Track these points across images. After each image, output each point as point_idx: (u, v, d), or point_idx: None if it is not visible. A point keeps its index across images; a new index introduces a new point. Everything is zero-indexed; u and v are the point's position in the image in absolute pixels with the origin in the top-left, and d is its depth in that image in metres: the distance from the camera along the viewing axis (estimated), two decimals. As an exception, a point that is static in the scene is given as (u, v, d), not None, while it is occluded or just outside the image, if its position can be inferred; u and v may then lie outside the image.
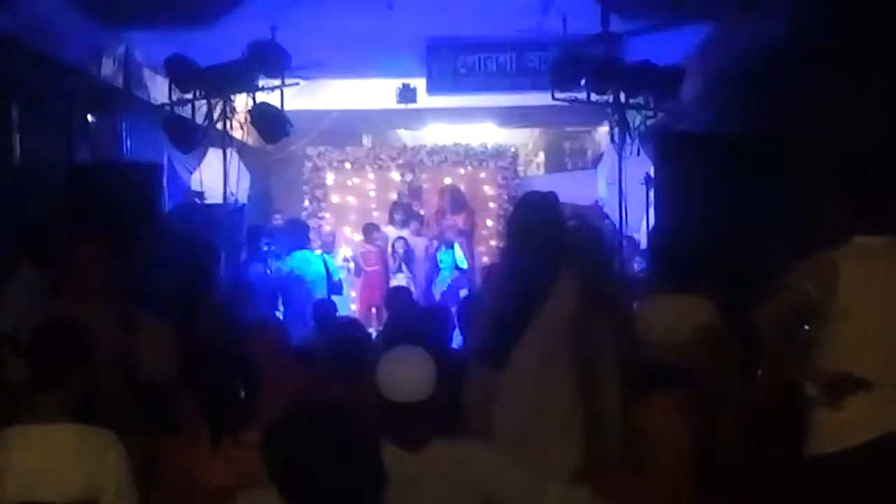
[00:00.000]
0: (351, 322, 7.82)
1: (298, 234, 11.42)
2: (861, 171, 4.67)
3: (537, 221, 5.08)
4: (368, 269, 13.54)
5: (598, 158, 15.70)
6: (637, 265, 10.38)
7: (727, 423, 5.30)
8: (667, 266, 6.47)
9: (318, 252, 12.24)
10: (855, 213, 4.41)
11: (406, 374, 3.58)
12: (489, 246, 15.29)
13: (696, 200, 7.90)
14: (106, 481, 3.98)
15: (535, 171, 18.10)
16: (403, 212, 14.28)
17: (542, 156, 19.22)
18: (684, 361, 5.34)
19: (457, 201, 14.78)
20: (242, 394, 4.46)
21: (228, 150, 10.59)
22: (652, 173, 9.94)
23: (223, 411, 4.44)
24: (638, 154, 10.62)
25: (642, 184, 10.54)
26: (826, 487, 4.29)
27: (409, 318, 7.19)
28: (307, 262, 11.25)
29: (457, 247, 13.88)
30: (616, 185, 10.88)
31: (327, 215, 15.17)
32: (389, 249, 13.66)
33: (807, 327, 4.51)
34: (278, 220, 14.10)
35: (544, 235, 5.03)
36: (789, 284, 4.39)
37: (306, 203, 15.28)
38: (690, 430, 5.12)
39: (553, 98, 10.55)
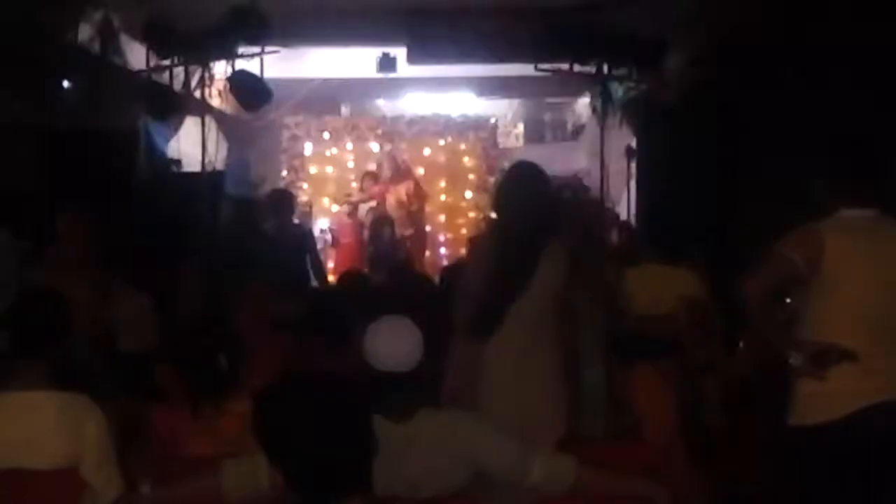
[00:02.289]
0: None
1: (283, 205, 11.29)
2: (847, 144, 4.65)
3: (526, 192, 5.05)
4: (344, 241, 13.50)
5: (577, 130, 15.70)
6: (618, 237, 10.35)
7: (711, 393, 5.32)
8: (651, 237, 6.46)
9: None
10: (840, 186, 4.40)
11: (393, 344, 3.54)
12: (468, 218, 15.26)
13: (679, 172, 7.89)
14: (86, 448, 3.94)
15: (514, 143, 18.02)
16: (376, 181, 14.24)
17: (521, 127, 19.16)
18: (668, 332, 5.36)
19: (395, 170, 14.54)
20: (224, 363, 4.44)
21: (206, 118, 10.50)
22: (634, 145, 9.93)
23: (205, 380, 4.43)
24: (620, 126, 10.59)
25: (624, 155, 10.54)
26: (810, 458, 4.27)
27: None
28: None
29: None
30: (598, 156, 10.86)
31: (305, 185, 15.09)
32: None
33: (788, 300, 4.50)
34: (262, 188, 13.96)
35: (533, 206, 5.00)
36: (774, 255, 4.37)
37: (284, 173, 15.19)
38: (675, 399, 5.16)
39: (536, 69, 10.50)
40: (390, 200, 13.96)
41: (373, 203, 13.90)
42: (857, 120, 5.94)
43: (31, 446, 3.91)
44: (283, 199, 10.42)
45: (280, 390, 2.56)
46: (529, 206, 5.01)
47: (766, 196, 7.37)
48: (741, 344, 5.70)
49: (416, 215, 14.18)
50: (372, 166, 14.95)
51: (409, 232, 13.86)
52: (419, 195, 14.22)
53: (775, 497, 4.64)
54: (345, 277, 8.10)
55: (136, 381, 5.26)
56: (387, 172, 14.39)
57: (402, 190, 14.10)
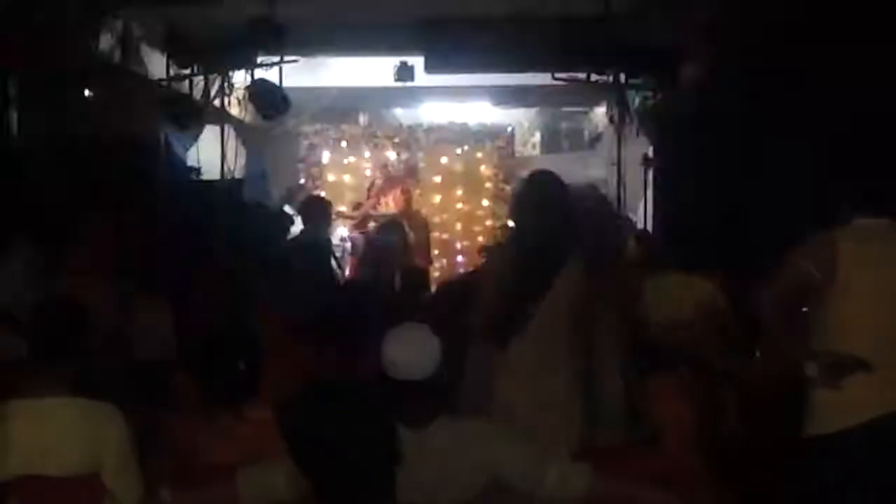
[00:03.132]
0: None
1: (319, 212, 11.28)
2: (861, 154, 4.66)
3: (543, 201, 5.06)
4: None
5: (594, 139, 15.70)
6: (635, 246, 10.35)
7: (730, 403, 5.32)
8: (669, 246, 6.46)
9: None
10: (855, 195, 4.41)
11: (411, 352, 3.55)
12: (485, 226, 15.26)
13: (697, 181, 7.88)
14: (107, 455, 3.97)
15: (531, 151, 18.03)
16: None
17: (538, 136, 19.16)
18: (687, 341, 5.36)
19: (386, 179, 14.43)
20: (242, 369, 4.45)
21: (225, 127, 10.55)
22: (651, 154, 9.94)
23: (223, 387, 4.44)
24: (637, 135, 10.60)
25: (641, 164, 10.54)
26: (826, 467, 4.29)
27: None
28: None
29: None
30: (614, 165, 10.86)
31: (323, 193, 15.10)
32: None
33: (804, 309, 4.51)
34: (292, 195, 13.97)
35: (550, 215, 5.01)
36: (790, 265, 4.39)
37: (302, 181, 15.22)
38: (694, 409, 5.15)
39: (553, 78, 10.51)
40: (381, 210, 13.92)
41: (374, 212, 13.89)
42: (876, 130, 5.92)
43: (51, 452, 3.93)
44: (319, 207, 10.49)
45: (307, 397, 2.58)
46: (547, 215, 5.02)
47: (784, 204, 7.35)
48: (758, 353, 5.70)
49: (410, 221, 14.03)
50: (389, 173, 14.99)
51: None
52: (407, 201, 14.07)
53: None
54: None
55: (155, 387, 5.28)
56: (378, 182, 14.39)
57: (389, 198, 14.06)
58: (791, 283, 4.36)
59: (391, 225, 11.80)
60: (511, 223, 5.43)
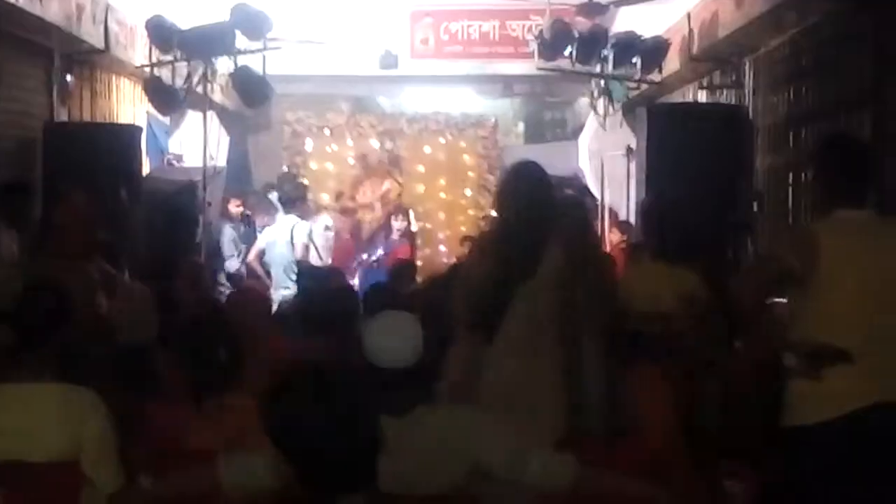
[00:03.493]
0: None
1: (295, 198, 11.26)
2: (841, 144, 4.67)
3: (526, 191, 5.06)
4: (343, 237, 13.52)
5: (577, 130, 15.68)
6: (617, 236, 10.38)
7: (710, 393, 5.33)
8: (651, 236, 6.46)
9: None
10: (836, 187, 4.42)
11: (393, 340, 3.55)
12: (468, 216, 15.27)
13: (680, 172, 7.88)
14: (88, 441, 3.95)
15: (515, 141, 18.04)
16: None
17: (521, 126, 19.19)
18: (668, 331, 5.36)
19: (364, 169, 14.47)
20: (225, 356, 4.45)
21: (208, 113, 10.51)
22: (634, 145, 9.93)
23: (205, 374, 4.43)
24: (620, 125, 10.61)
25: (624, 155, 10.54)
26: (805, 459, 4.29)
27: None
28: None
29: None
30: (597, 156, 10.87)
31: (306, 181, 15.07)
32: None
33: (783, 300, 4.52)
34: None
35: (533, 206, 5.01)
36: (770, 255, 4.40)
37: (285, 169, 15.18)
38: (675, 399, 5.16)
39: (538, 68, 10.51)
40: (359, 200, 13.92)
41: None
42: (857, 121, 5.95)
43: (32, 438, 3.91)
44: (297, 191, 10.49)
45: (288, 384, 2.57)
46: (530, 205, 5.01)
47: (767, 195, 7.39)
48: (738, 343, 5.71)
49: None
50: (373, 162, 15.00)
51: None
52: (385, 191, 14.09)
53: (772, 497, 4.64)
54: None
55: (138, 372, 5.26)
56: (358, 172, 14.39)
57: (368, 188, 14.07)
58: (770, 275, 4.37)
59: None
60: (493, 213, 5.42)
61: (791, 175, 7.48)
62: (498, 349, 4.97)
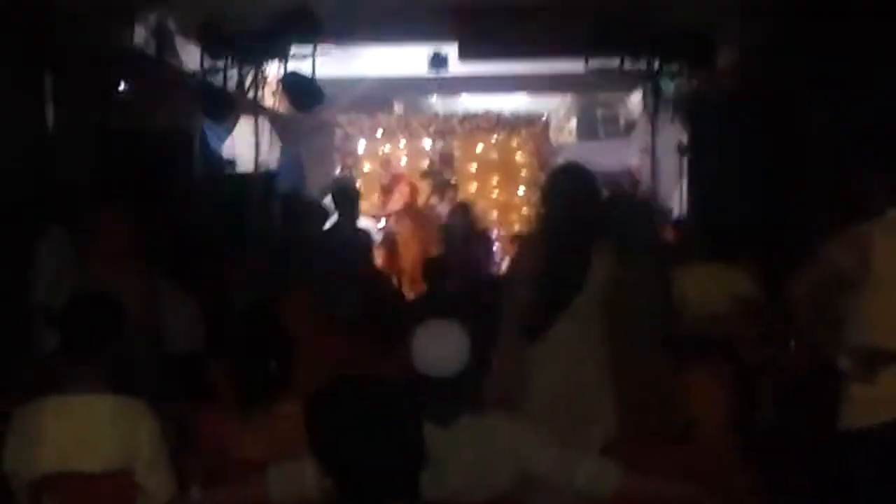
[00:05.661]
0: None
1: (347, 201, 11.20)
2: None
3: (572, 193, 5.03)
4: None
5: (630, 126, 15.63)
6: (670, 234, 10.28)
7: (763, 394, 5.28)
8: (703, 235, 6.41)
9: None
10: (890, 185, 4.35)
11: (440, 348, 3.54)
12: (521, 214, 15.24)
13: (732, 169, 7.80)
14: (140, 451, 3.99)
15: (567, 138, 17.97)
16: (434, 180, 14.20)
17: (573, 122, 19.11)
18: (722, 332, 5.31)
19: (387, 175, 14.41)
20: (274, 364, 4.45)
21: (260, 119, 10.56)
22: (686, 141, 9.86)
23: (255, 382, 4.44)
24: (672, 122, 10.52)
25: (676, 152, 10.47)
26: (859, 461, 4.25)
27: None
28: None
29: None
30: (649, 153, 10.80)
31: (358, 183, 15.09)
32: None
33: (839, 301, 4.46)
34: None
35: (579, 207, 4.99)
36: (823, 257, 4.34)
37: (337, 171, 15.23)
38: (728, 399, 5.12)
39: (586, 66, 10.45)
40: (390, 207, 13.89)
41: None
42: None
43: (85, 449, 3.95)
44: (349, 195, 10.44)
45: (332, 394, 2.55)
46: (576, 207, 4.99)
47: (821, 194, 7.28)
48: (792, 344, 5.65)
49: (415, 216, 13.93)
50: (425, 163, 15.00)
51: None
52: (412, 194, 14.01)
53: (825, 500, 4.60)
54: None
55: (185, 382, 5.29)
56: (384, 179, 14.37)
57: (396, 194, 14.03)
58: (825, 275, 4.32)
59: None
60: (540, 215, 5.40)
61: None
62: (546, 352, 4.95)
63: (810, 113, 7.63)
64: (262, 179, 10.64)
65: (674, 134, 10.60)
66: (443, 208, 13.48)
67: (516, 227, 14.81)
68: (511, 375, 4.93)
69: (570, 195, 5.04)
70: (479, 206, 15.03)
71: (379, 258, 11.17)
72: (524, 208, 15.28)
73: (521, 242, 6.34)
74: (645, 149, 11.66)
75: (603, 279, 4.94)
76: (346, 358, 5.63)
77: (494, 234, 15.14)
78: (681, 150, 10.26)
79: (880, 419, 4.14)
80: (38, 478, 3.94)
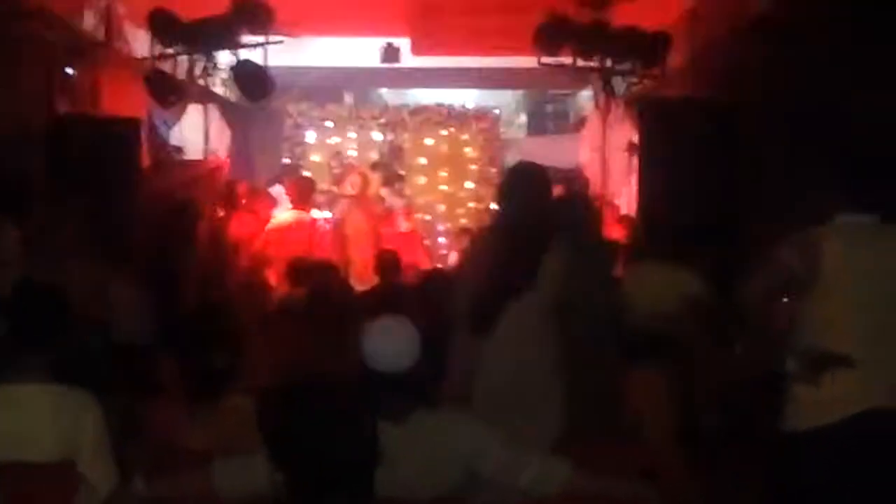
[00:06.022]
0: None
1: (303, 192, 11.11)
2: (849, 148, 4.65)
3: (527, 194, 5.05)
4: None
5: (580, 122, 15.68)
6: (619, 232, 10.34)
7: (710, 395, 5.32)
8: (654, 236, 6.44)
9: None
10: (840, 191, 4.40)
11: (390, 344, 3.54)
12: (469, 208, 15.27)
13: (683, 169, 7.83)
14: (83, 443, 3.94)
15: (516, 133, 18.03)
16: (383, 171, 14.15)
17: (523, 117, 19.17)
18: (671, 332, 5.34)
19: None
20: (223, 356, 4.44)
21: (209, 106, 10.47)
22: (636, 140, 9.89)
23: (204, 375, 4.42)
24: (623, 120, 10.57)
25: (625, 150, 10.52)
26: (806, 463, 4.28)
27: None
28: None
29: None
30: (599, 150, 10.86)
31: (307, 174, 15.02)
32: None
33: (785, 299, 4.50)
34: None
35: (534, 208, 5.01)
36: (773, 260, 4.38)
37: (286, 160, 15.16)
38: (674, 400, 5.16)
39: (539, 63, 10.47)
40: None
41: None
42: (865, 125, 5.88)
43: (26, 440, 3.90)
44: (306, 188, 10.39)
45: (286, 390, 2.54)
46: (530, 205, 5.01)
47: (770, 197, 7.33)
48: (738, 345, 5.69)
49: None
50: (374, 155, 14.97)
51: None
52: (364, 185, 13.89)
53: (771, 500, 4.64)
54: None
55: (134, 374, 5.24)
56: (335, 170, 14.33)
57: (347, 184, 13.93)
58: (773, 280, 4.36)
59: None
60: (494, 211, 5.42)
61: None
62: (495, 348, 4.96)
63: (761, 118, 7.69)
64: (211, 168, 10.55)
65: (624, 132, 10.66)
66: (393, 200, 13.42)
67: (463, 222, 14.84)
68: (464, 369, 4.93)
69: (524, 193, 5.06)
70: (427, 199, 15.08)
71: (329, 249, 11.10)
72: (472, 203, 15.32)
73: (473, 238, 6.34)
74: (595, 146, 11.71)
75: (554, 277, 4.96)
76: (296, 350, 5.61)
77: (441, 228, 15.19)
78: (630, 148, 10.31)
79: (826, 421, 4.18)
80: (-20, 468, 3.89)
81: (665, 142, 8.16)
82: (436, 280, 6.74)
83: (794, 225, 4.41)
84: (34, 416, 3.94)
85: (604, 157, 10.57)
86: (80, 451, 3.94)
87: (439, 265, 13.36)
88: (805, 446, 4.26)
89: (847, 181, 4.39)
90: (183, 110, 11.47)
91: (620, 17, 10.09)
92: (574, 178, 12.10)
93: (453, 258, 13.09)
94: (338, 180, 13.76)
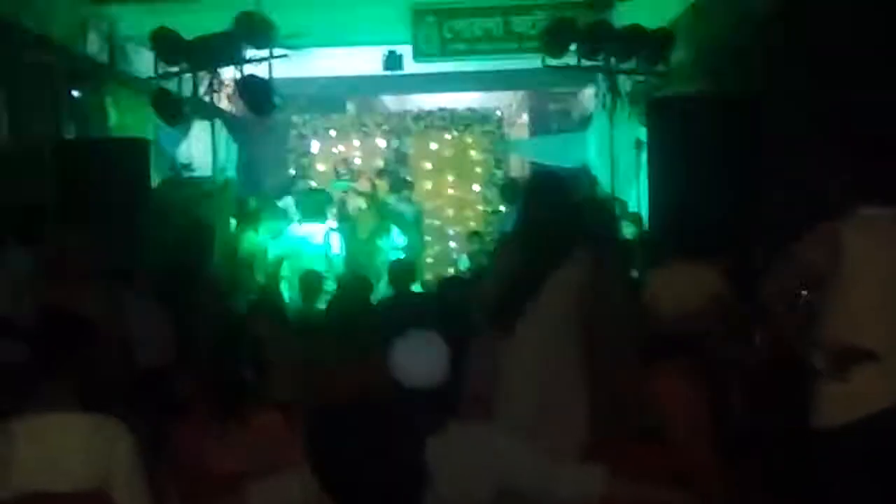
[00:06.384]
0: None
1: (315, 206, 11.08)
2: (866, 140, 4.63)
3: (553, 202, 5.06)
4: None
5: (583, 120, 15.66)
6: (630, 230, 10.32)
7: (735, 392, 5.30)
8: (672, 235, 6.42)
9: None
10: (859, 184, 4.38)
11: (421, 359, 3.53)
12: (477, 211, 15.27)
13: (695, 166, 7.79)
14: (116, 471, 3.92)
15: (519, 133, 18.00)
16: (389, 178, 14.13)
17: (525, 117, 19.14)
18: (693, 331, 5.33)
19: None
20: (250, 375, 4.42)
21: (216, 123, 10.48)
22: (643, 137, 9.88)
23: (230, 392, 4.40)
24: (629, 118, 10.56)
25: (633, 148, 10.51)
26: (833, 459, 4.28)
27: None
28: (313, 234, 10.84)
29: None
30: (606, 149, 10.84)
31: (313, 183, 15.04)
32: None
33: (805, 293, 4.49)
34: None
35: (559, 215, 5.01)
36: (794, 256, 4.37)
37: (292, 171, 15.18)
38: (700, 399, 5.14)
39: (544, 65, 10.47)
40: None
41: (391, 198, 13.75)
42: (882, 117, 5.87)
43: (58, 469, 3.88)
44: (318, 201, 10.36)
45: (334, 417, 2.52)
46: (554, 214, 5.02)
47: (786, 192, 7.31)
48: (758, 339, 5.67)
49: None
50: (380, 162, 14.96)
51: None
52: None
53: (799, 497, 4.63)
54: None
55: (157, 396, 5.23)
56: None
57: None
58: (795, 275, 4.35)
59: None
60: (517, 218, 5.41)
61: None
62: (518, 352, 4.95)
63: (777, 112, 7.65)
64: (220, 184, 10.56)
65: (631, 130, 10.64)
66: (402, 207, 13.36)
67: (472, 224, 14.84)
68: (487, 374, 4.92)
69: (546, 199, 5.06)
70: (435, 204, 15.08)
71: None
72: (479, 205, 15.33)
73: (497, 245, 6.33)
74: (601, 144, 11.70)
75: (576, 278, 4.96)
76: (319, 366, 5.61)
77: (451, 232, 15.18)
78: (638, 146, 10.30)
79: (854, 416, 4.17)
80: (10, 499, 3.88)
81: (675, 139, 8.12)
82: (454, 287, 6.72)
83: (813, 220, 4.40)
84: (64, 444, 3.92)
85: (612, 155, 10.54)
86: (114, 480, 3.92)
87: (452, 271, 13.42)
88: (834, 442, 4.25)
89: (865, 173, 4.38)
90: (188, 127, 11.48)
91: (623, 17, 10.11)
92: (582, 176, 12.07)
93: (464, 262, 13.10)
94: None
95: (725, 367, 5.33)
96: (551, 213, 5.02)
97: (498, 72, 14.13)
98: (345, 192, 12.86)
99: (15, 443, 3.93)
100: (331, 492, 2.50)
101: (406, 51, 12.68)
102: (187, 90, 10.19)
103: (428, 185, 15.33)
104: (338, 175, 13.92)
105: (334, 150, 15.42)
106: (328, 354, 5.87)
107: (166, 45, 9.91)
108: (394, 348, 3.55)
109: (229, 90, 10.91)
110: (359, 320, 6.28)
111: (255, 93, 10.15)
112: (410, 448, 2.50)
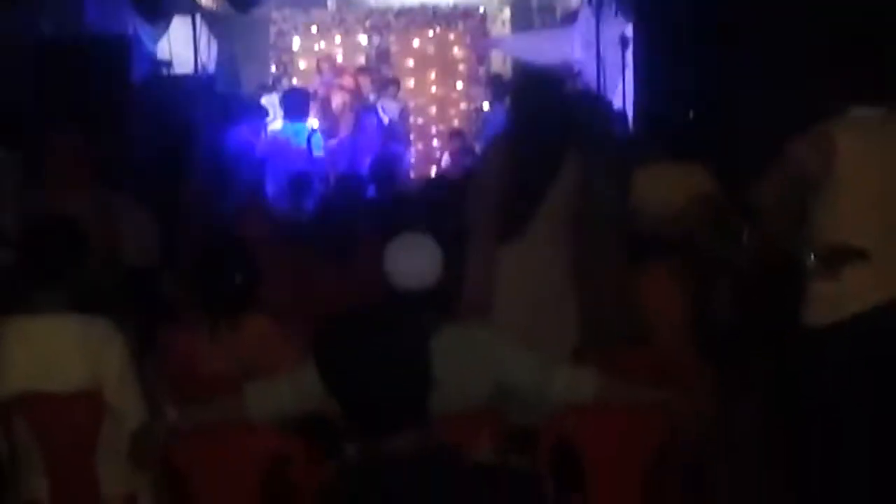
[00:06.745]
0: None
1: (298, 105, 10.95)
2: (861, 37, 4.60)
3: (546, 101, 5.01)
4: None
5: (567, 17, 15.47)
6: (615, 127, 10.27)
7: (722, 291, 5.32)
8: (657, 133, 6.40)
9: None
10: (852, 83, 4.35)
11: (413, 262, 3.53)
12: (459, 109, 15.17)
13: (681, 63, 7.72)
14: (109, 371, 3.95)
15: (501, 29, 17.77)
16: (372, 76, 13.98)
17: (507, 12, 18.90)
18: (680, 231, 5.33)
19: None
20: (241, 279, 4.41)
21: (196, 17, 10.31)
22: (628, 34, 9.79)
23: (221, 297, 4.40)
24: (616, 14, 10.44)
25: (618, 45, 10.40)
26: (824, 357, 4.32)
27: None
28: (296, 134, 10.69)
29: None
30: (591, 46, 10.74)
31: (295, 81, 14.88)
32: None
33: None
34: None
35: (553, 115, 4.97)
36: (786, 158, 4.36)
37: (273, 69, 15.00)
38: (687, 299, 5.16)
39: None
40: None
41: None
42: (874, 13, 5.80)
43: (52, 370, 3.92)
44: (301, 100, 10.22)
45: (341, 330, 2.51)
46: (548, 114, 4.99)
47: (773, 91, 7.25)
48: (745, 236, 5.68)
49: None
50: (361, 59, 14.79)
51: None
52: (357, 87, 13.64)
53: (787, 394, 4.69)
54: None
55: (143, 296, 5.22)
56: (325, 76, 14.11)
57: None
58: (787, 177, 4.35)
59: None
60: (509, 119, 5.36)
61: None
62: (520, 255, 4.95)
63: (765, 9, 7.56)
64: (202, 82, 10.42)
65: (616, 26, 10.53)
66: (387, 105, 13.21)
67: (455, 122, 14.76)
68: (487, 280, 4.92)
69: (542, 102, 5.02)
70: (418, 102, 14.95)
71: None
72: (462, 103, 15.22)
73: (488, 146, 6.28)
74: (586, 42, 11.59)
75: (572, 184, 4.95)
76: (301, 271, 5.59)
77: (434, 130, 15.09)
78: (623, 42, 10.19)
79: (845, 314, 4.21)
80: (5, 398, 3.90)
81: (661, 36, 8.03)
82: (440, 187, 6.69)
83: (805, 121, 4.38)
84: (57, 346, 3.96)
85: (598, 53, 10.44)
86: (107, 381, 3.95)
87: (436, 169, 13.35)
88: (824, 340, 4.29)
89: (858, 72, 4.35)
90: (168, 24, 11.30)
91: None
92: (567, 74, 11.96)
93: (446, 160, 13.03)
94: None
95: (713, 268, 5.34)
96: (543, 112, 4.99)
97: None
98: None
99: (6, 344, 3.96)
100: (346, 407, 2.51)
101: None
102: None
103: (410, 82, 15.18)
104: (320, 73, 13.73)
105: (315, 46, 15.22)
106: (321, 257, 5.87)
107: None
108: (387, 250, 3.55)
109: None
110: (350, 221, 6.24)
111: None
112: (418, 356, 2.50)
